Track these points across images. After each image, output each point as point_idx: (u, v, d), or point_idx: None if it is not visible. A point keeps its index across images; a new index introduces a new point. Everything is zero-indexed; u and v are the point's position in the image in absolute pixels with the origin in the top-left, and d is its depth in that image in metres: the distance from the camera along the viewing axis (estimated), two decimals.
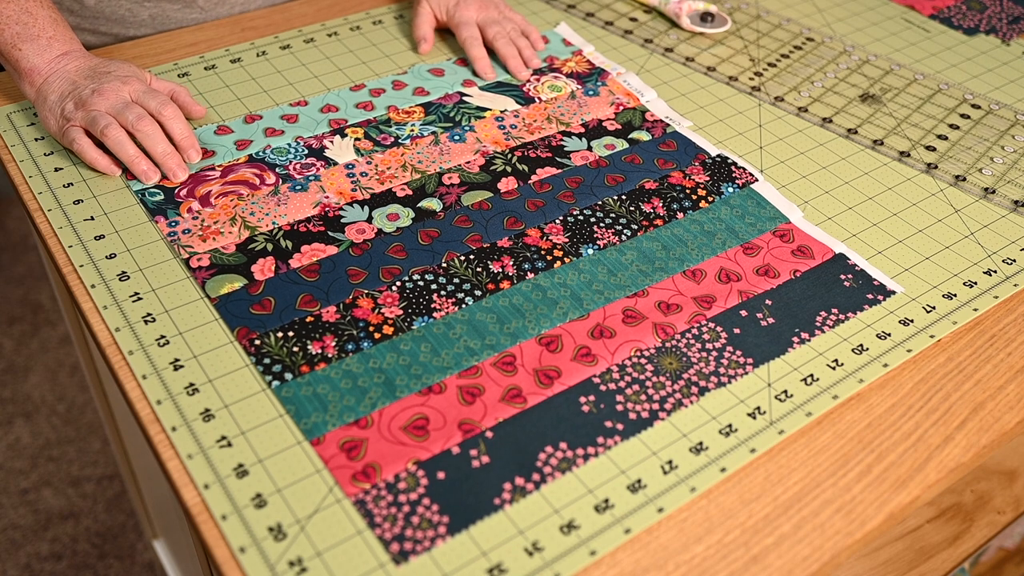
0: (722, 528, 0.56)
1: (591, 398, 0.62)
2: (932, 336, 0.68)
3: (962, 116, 0.91)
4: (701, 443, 0.60)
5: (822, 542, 0.56)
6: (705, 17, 0.99)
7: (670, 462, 0.59)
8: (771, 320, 0.68)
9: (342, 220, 0.74)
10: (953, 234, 0.77)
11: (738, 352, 0.66)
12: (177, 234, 0.71)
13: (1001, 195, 0.81)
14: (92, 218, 0.72)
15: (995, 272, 0.74)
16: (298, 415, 0.59)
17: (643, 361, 0.65)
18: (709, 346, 0.66)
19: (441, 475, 0.57)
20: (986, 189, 0.82)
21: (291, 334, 0.64)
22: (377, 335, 0.65)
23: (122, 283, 0.67)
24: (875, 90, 0.93)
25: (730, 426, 0.61)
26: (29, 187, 0.75)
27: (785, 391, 0.64)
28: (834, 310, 0.69)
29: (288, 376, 0.62)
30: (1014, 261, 0.75)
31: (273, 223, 0.73)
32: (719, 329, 0.67)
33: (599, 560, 0.54)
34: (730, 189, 0.79)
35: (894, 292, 0.71)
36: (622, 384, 0.63)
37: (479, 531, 0.54)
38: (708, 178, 0.80)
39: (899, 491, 0.59)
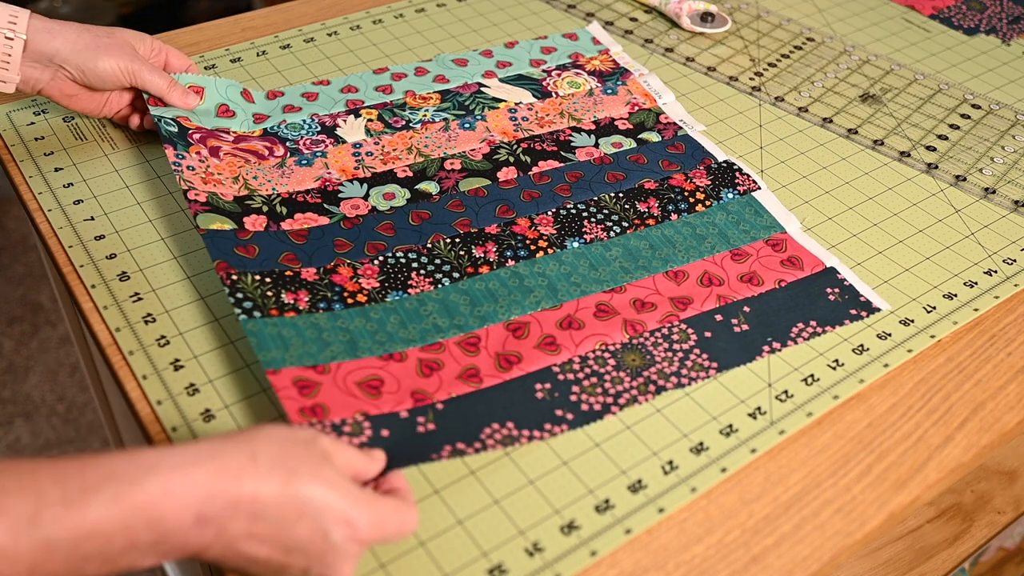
0: (722, 528, 0.56)
1: (547, 385, 0.62)
2: (932, 336, 0.68)
3: (962, 116, 0.91)
4: (702, 443, 0.60)
5: (822, 542, 0.56)
6: (705, 17, 0.99)
7: (671, 462, 0.59)
8: (745, 327, 0.67)
9: (339, 195, 0.74)
10: (953, 234, 0.77)
11: (704, 356, 0.65)
12: (181, 167, 0.72)
13: (1001, 195, 0.81)
14: (92, 218, 0.72)
15: (995, 272, 0.74)
16: (259, 347, 0.59)
17: (606, 355, 0.64)
18: (676, 347, 0.65)
19: (385, 432, 0.57)
20: (986, 189, 0.82)
21: (268, 280, 0.65)
22: (350, 300, 0.65)
23: (122, 283, 0.67)
24: (875, 90, 0.93)
25: (731, 426, 0.61)
26: (29, 187, 0.75)
27: (786, 391, 0.64)
28: (812, 323, 0.68)
29: (257, 314, 0.62)
30: (1014, 261, 0.75)
31: (273, 190, 0.74)
32: (690, 331, 0.67)
33: (599, 560, 0.54)
34: (730, 195, 0.78)
35: (879, 309, 0.70)
36: (580, 375, 0.63)
37: (480, 531, 0.55)
38: (710, 182, 0.79)
39: (899, 491, 0.59)
